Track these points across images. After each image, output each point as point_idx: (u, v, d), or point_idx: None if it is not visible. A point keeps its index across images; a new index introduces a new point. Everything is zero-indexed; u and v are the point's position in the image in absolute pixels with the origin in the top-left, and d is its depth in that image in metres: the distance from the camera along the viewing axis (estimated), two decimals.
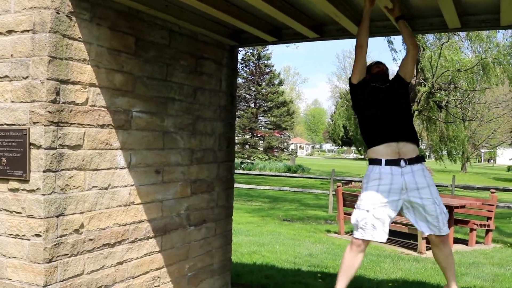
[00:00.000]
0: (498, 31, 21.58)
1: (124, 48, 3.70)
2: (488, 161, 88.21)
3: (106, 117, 3.54)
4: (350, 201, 11.22)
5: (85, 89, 3.35)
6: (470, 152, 55.51)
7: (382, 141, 3.78)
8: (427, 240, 9.41)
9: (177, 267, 4.40)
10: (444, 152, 29.12)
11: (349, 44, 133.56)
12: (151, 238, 4.05)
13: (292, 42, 5.23)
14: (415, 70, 23.50)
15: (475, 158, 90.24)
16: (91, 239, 3.42)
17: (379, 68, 4.06)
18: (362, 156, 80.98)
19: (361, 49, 3.90)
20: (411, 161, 3.74)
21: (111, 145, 3.59)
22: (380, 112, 3.87)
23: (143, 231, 3.96)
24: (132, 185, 3.82)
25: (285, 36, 4.92)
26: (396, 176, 3.68)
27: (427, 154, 30.66)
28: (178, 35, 4.34)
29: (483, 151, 79.67)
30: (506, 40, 22.21)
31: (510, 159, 46.96)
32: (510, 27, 4.39)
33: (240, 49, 6.18)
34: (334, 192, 13.08)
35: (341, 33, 4.68)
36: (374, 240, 3.72)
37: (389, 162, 3.71)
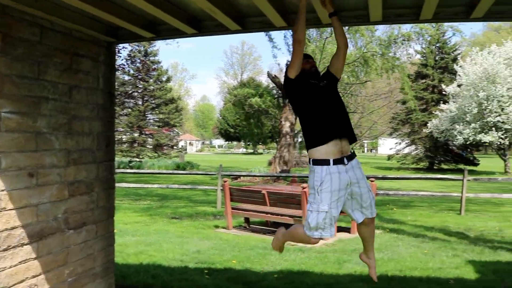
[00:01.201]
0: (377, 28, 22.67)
1: None
2: (371, 151, 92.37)
3: None
4: (237, 195, 11.34)
5: None
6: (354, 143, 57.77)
7: (328, 140, 3.79)
8: None
9: (56, 273, 4.23)
10: None
11: (237, 40, 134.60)
12: (26, 244, 3.87)
13: (171, 38, 5.17)
14: None
15: (358, 148, 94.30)
16: None
17: (310, 63, 4.04)
18: (252, 151, 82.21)
19: (299, 44, 3.84)
20: (350, 158, 3.84)
21: None
22: (323, 110, 3.88)
23: (16, 238, 3.76)
24: (3, 190, 3.62)
25: (162, 32, 4.84)
26: (342, 174, 3.76)
27: None
28: (50, 31, 4.15)
29: (365, 141, 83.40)
30: (383, 35, 23.35)
31: (390, 149, 49.33)
32: (428, 21, 4.58)
33: (126, 45, 6.02)
34: (222, 188, 13.14)
35: (219, 29, 4.67)
36: (330, 236, 3.88)
37: (336, 162, 3.77)
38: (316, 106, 3.90)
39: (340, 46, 4.06)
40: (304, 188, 9.60)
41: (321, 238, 3.92)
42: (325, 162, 3.77)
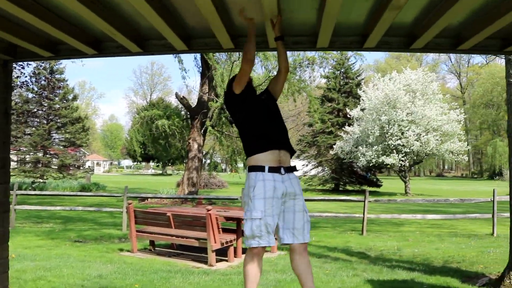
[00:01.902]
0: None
1: None
2: None
3: None
4: (142, 218, 11.17)
5: None
6: None
7: (266, 149, 3.89)
8: (217, 252, 9.76)
9: None
10: (240, 164, 30.43)
11: (146, 60, 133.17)
12: None
13: (70, 58, 5.08)
14: (207, 87, 24.26)
15: None
16: None
17: (249, 79, 4.22)
18: (161, 172, 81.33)
19: (250, 63, 4.01)
20: (289, 170, 3.93)
21: None
22: (265, 122, 4.01)
23: None
24: None
25: (62, 51, 4.76)
26: (278, 183, 3.84)
27: (222, 167, 31.82)
28: None
29: None
30: (290, 58, 23.90)
31: (297, 170, 50.29)
32: (325, 49, 4.73)
33: (31, 62, 5.84)
34: (126, 210, 12.90)
35: (120, 50, 4.65)
36: (269, 245, 3.87)
37: (271, 169, 3.84)
38: (259, 118, 4.05)
39: (281, 70, 4.28)
40: (209, 210, 9.61)
41: (262, 247, 3.90)
42: (259, 169, 3.87)
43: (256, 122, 4.06)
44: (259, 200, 3.83)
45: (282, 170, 3.92)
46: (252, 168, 3.94)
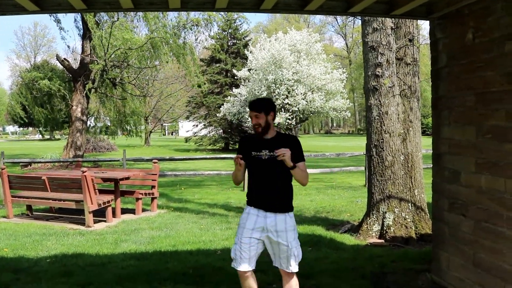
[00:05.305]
0: (168, 13, 23.01)
1: None
2: (171, 134, 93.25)
3: None
4: (17, 183, 10.98)
5: None
6: (153, 126, 58.17)
7: (253, 198, 4.34)
8: (95, 213, 9.84)
9: None
10: (129, 127, 30.14)
11: (28, 21, 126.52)
12: None
13: None
14: (89, 49, 23.66)
15: (159, 132, 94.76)
16: None
17: (255, 120, 4.32)
18: (48, 137, 78.45)
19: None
20: (274, 211, 4.23)
21: None
22: (257, 179, 4.34)
23: None
24: None
25: None
26: (260, 218, 4.22)
27: (116, 130, 31.17)
28: None
29: (166, 124, 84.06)
30: (172, 20, 23.76)
31: (187, 131, 50.51)
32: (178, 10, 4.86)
33: None
34: None
35: (17, 9, 4.58)
36: (241, 270, 4.24)
37: (257, 206, 4.27)
38: (253, 174, 4.34)
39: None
40: (84, 172, 9.61)
41: (244, 273, 4.28)
42: (248, 203, 4.35)
43: (251, 176, 4.40)
44: (240, 228, 4.31)
45: (265, 210, 4.25)
46: (246, 202, 4.42)
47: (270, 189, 4.25)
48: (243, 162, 4.21)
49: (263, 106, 4.24)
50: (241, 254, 4.25)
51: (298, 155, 4.20)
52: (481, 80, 4.65)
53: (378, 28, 8.22)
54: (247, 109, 35.67)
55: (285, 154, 4.02)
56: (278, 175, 4.20)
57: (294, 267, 4.26)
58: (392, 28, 8.31)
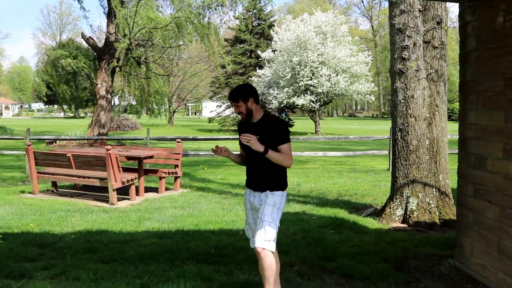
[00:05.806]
0: None
1: None
2: (195, 114, 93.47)
3: None
4: (43, 159, 11.13)
5: None
6: (177, 106, 58.38)
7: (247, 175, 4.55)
8: (119, 191, 9.95)
9: None
10: (155, 106, 30.29)
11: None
12: None
13: None
14: (114, 27, 23.73)
15: (183, 112, 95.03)
16: None
17: (238, 109, 4.42)
18: (73, 115, 79.28)
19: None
20: (259, 190, 4.36)
21: None
22: (248, 159, 4.45)
23: None
24: None
25: None
26: (251, 197, 4.43)
27: (140, 110, 31.27)
28: None
29: (190, 104, 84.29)
30: (197, 0, 23.67)
31: (210, 112, 50.62)
32: None
33: None
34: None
35: None
36: (252, 246, 4.36)
37: (249, 187, 4.50)
38: (245, 156, 4.47)
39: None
40: (108, 150, 9.69)
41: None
42: (245, 184, 4.55)
43: (245, 156, 4.51)
44: (245, 209, 4.58)
45: (252, 189, 4.44)
46: None
47: (255, 170, 4.40)
48: (216, 150, 4.37)
49: (238, 95, 4.29)
50: (251, 234, 4.47)
51: (281, 137, 4.23)
52: (511, 64, 4.57)
53: (405, 10, 8.10)
54: (271, 91, 35.75)
55: (249, 140, 4.08)
56: (258, 157, 4.23)
57: (259, 242, 4.14)
58: (420, 11, 8.18)
